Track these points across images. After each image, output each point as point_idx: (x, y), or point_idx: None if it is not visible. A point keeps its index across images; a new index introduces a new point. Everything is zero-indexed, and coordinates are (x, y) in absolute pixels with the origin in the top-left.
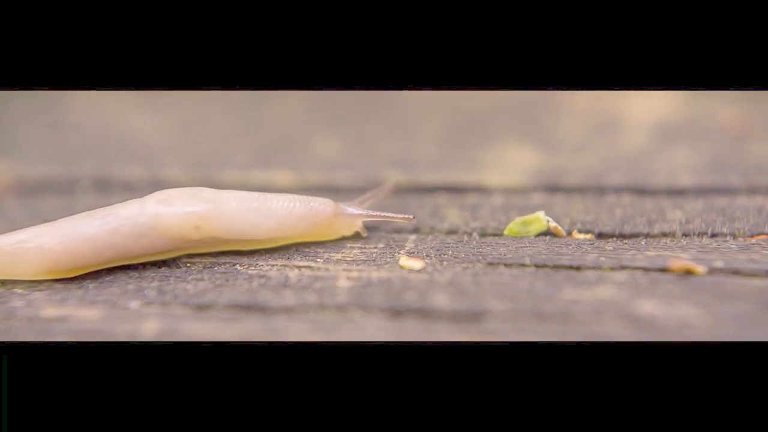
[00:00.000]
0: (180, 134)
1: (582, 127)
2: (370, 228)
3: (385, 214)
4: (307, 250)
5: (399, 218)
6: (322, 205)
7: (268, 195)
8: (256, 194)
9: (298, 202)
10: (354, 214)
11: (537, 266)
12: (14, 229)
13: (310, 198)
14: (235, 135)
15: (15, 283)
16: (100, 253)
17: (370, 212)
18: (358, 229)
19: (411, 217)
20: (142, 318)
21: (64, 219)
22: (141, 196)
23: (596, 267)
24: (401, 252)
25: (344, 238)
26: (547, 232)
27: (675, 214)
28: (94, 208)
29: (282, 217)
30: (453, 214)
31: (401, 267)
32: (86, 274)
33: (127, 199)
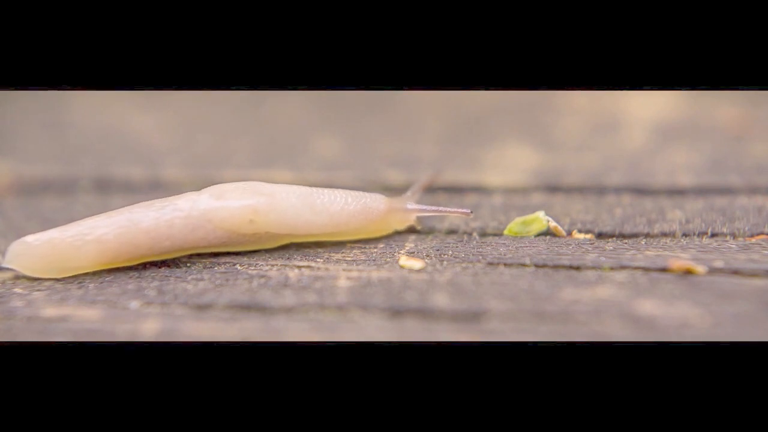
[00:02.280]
0: (180, 134)
1: (582, 127)
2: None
3: (441, 208)
4: (307, 250)
5: (456, 212)
6: (375, 201)
7: (323, 191)
8: (310, 189)
9: (352, 199)
10: (410, 209)
11: (537, 266)
12: (14, 229)
13: (364, 194)
14: (235, 135)
15: (15, 283)
16: (158, 244)
17: (425, 207)
18: (411, 223)
19: (469, 212)
20: (142, 318)
21: (120, 210)
22: (141, 196)
23: (596, 267)
24: (401, 252)
25: (396, 232)
26: (547, 232)
27: (675, 214)
28: (94, 208)
29: (335, 214)
30: (453, 214)
31: (401, 267)
32: (86, 274)
33: (127, 199)
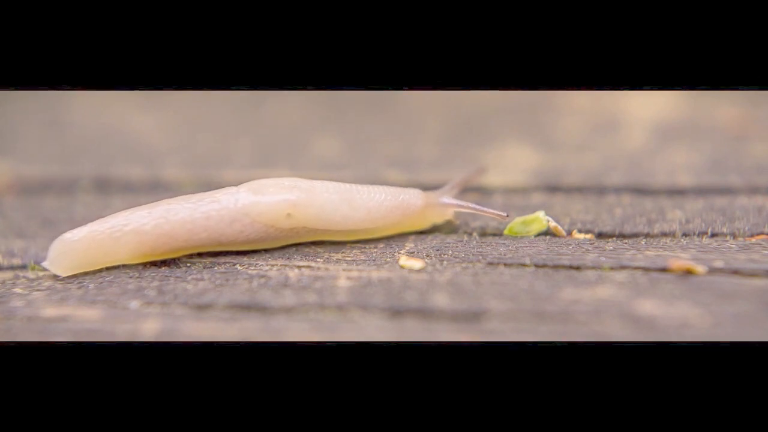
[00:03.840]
0: (180, 134)
1: (582, 127)
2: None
3: (478, 207)
4: (307, 249)
5: (491, 213)
6: (412, 197)
7: (360, 187)
8: (347, 185)
9: (389, 194)
10: (446, 204)
11: (537, 266)
12: (14, 229)
13: (401, 189)
14: (235, 135)
15: (15, 283)
16: (195, 237)
17: (462, 203)
18: (449, 218)
19: (505, 215)
20: (142, 318)
21: (158, 202)
22: (141, 196)
23: (596, 267)
24: (401, 252)
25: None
26: (547, 232)
27: (675, 214)
28: (94, 208)
29: (372, 209)
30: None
31: (401, 267)
32: (86, 274)
33: (126, 199)
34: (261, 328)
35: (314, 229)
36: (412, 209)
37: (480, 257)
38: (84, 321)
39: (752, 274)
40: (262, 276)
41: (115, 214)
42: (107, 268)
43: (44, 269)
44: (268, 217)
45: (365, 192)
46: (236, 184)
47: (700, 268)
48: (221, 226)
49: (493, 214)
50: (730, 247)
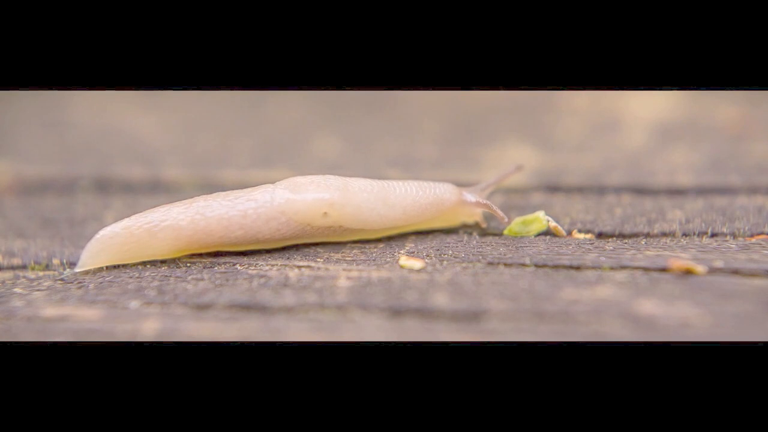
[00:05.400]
0: (180, 134)
1: (582, 127)
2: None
3: (490, 204)
4: (307, 249)
5: (497, 213)
6: (447, 192)
7: (394, 183)
8: (382, 183)
9: (424, 190)
10: (472, 202)
11: (537, 266)
12: (14, 229)
13: (435, 184)
14: (235, 135)
15: (15, 283)
16: (231, 233)
17: (485, 201)
18: (478, 218)
19: (504, 218)
20: (142, 318)
21: (193, 199)
22: (141, 196)
23: (596, 267)
24: (401, 251)
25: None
26: (547, 232)
27: (675, 214)
28: (94, 208)
29: (408, 206)
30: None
31: (401, 267)
32: (86, 274)
33: (126, 199)
34: (261, 328)
35: (350, 229)
36: (446, 204)
37: (480, 257)
38: (84, 321)
39: (752, 274)
40: (262, 276)
41: (152, 209)
42: (107, 268)
43: (46, 269)
44: (304, 216)
45: (400, 188)
46: (237, 184)
47: (700, 268)
48: (258, 224)
49: (499, 214)
50: (730, 247)
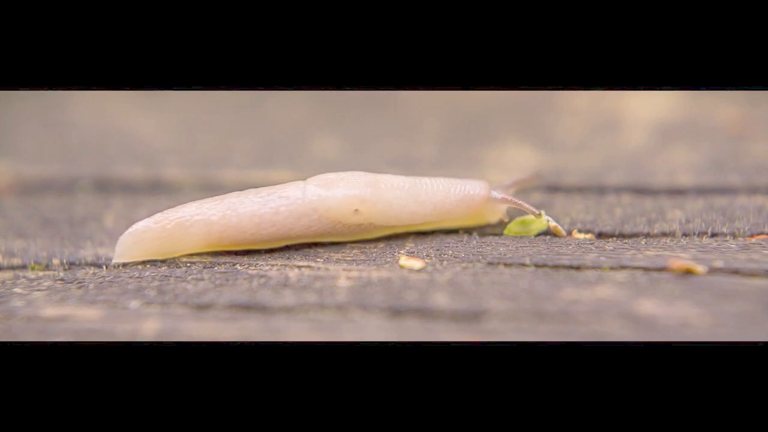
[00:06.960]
0: (180, 134)
1: (582, 127)
2: None
3: (521, 202)
4: (307, 249)
5: (529, 209)
6: (477, 188)
7: (424, 180)
8: (413, 179)
9: (455, 186)
10: (498, 198)
11: (537, 266)
12: (14, 229)
13: (465, 181)
14: (235, 135)
15: (15, 283)
16: (262, 230)
17: (513, 198)
18: (501, 216)
19: (538, 213)
20: (142, 318)
21: (224, 195)
22: (141, 196)
23: (596, 267)
24: (401, 251)
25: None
26: (547, 232)
27: (675, 214)
28: (94, 208)
29: (439, 203)
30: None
31: (401, 267)
32: (86, 273)
33: (126, 199)
34: (261, 328)
35: (379, 225)
36: (476, 201)
37: (480, 257)
38: (84, 321)
39: (752, 274)
40: (262, 276)
41: (184, 205)
42: (106, 267)
43: (45, 269)
44: (335, 213)
45: (430, 185)
46: (237, 184)
47: (700, 268)
48: (290, 221)
49: (531, 210)
50: (730, 247)
